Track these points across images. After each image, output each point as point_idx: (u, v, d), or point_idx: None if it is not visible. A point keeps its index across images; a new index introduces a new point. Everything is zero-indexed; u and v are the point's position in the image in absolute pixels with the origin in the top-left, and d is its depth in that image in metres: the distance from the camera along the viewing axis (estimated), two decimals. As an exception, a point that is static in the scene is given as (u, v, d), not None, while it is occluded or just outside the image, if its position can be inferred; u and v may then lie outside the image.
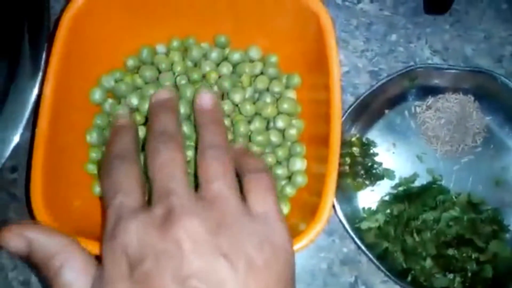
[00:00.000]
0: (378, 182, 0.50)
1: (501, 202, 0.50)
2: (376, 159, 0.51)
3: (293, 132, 0.45)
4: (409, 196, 0.48)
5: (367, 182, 0.50)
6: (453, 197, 0.49)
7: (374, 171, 0.50)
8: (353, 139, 0.51)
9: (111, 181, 0.34)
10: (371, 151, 0.51)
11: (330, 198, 0.37)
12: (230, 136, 0.45)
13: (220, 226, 0.31)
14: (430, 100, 0.52)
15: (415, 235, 0.46)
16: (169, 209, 0.31)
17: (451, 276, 0.45)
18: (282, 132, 0.45)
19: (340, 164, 0.49)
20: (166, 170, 0.33)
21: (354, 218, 0.49)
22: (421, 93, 0.52)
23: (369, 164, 0.50)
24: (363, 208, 0.50)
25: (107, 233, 0.32)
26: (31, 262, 0.32)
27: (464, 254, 0.45)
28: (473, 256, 0.46)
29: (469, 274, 0.45)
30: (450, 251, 0.45)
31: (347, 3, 0.56)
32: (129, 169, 0.35)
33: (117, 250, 0.30)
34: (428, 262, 0.45)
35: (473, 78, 0.50)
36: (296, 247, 0.36)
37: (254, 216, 0.33)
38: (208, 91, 0.41)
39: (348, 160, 0.50)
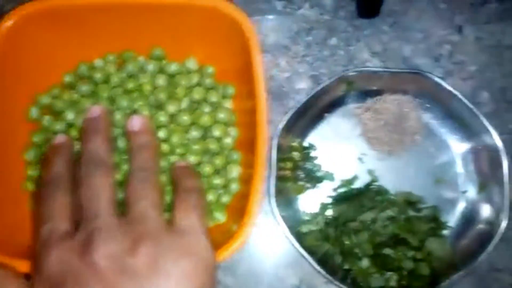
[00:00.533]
0: (318, 185, 0.52)
1: (440, 199, 0.52)
2: (317, 162, 0.52)
3: (228, 140, 0.47)
4: (348, 198, 0.49)
5: (308, 185, 0.51)
6: (392, 197, 0.49)
7: (314, 174, 0.51)
8: (294, 143, 0.52)
9: (43, 209, 0.36)
10: (312, 154, 0.52)
11: (256, 200, 0.40)
12: (166, 147, 0.45)
13: (138, 243, 0.33)
14: (369, 102, 0.53)
15: (352, 236, 0.47)
16: (90, 233, 0.33)
17: (388, 275, 0.46)
18: (219, 140, 0.46)
19: (281, 169, 0.51)
20: (92, 196, 0.36)
21: (295, 221, 0.50)
22: (360, 96, 0.54)
23: (310, 167, 0.51)
24: (304, 211, 0.50)
25: (34, 259, 0.33)
26: None
27: (400, 253, 0.47)
28: (409, 255, 0.47)
29: (405, 273, 0.46)
30: (387, 251, 0.46)
31: (288, 9, 0.57)
32: (60, 197, 0.38)
33: (42, 276, 0.33)
34: (365, 262, 0.46)
35: (409, 78, 0.51)
36: (228, 251, 0.38)
37: (176, 232, 0.36)
38: (139, 115, 0.43)
39: (289, 164, 0.51)
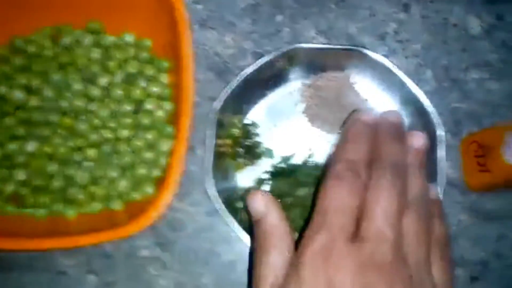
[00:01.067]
0: (258, 162, 0.51)
1: (379, 176, 0.51)
2: (258, 139, 0.52)
3: (161, 113, 0.46)
4: (284, 173, 0.49)
5: (247, 162, 0.51)
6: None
7: (254, 151, 0.51)
8: (235, 120, 0.51)
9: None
10: (253, 131, 0.52)
11: (176, 170, 0.39)
12: (98, 121, 0.45)
13: None
14: (311, 79, 0.53)
15: (286, 211, 0.47)
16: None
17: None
18: (151, 114, 0.46)
19: (220, 145, 0.50)
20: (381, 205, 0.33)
21: (233, 197, 0.49)
22: (302, 73, 0.53)
23: (250, 144, 0.51)
24: (243, 187, 0.50)
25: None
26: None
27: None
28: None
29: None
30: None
31: (234, -14, 0.56)
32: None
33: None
34: (297, 237, 0.46)
35: (349, 56, 0.51)
36: (146, 219, 0.39)
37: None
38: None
39: (228, 141, 0.51)
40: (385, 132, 0.38)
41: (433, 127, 0.49)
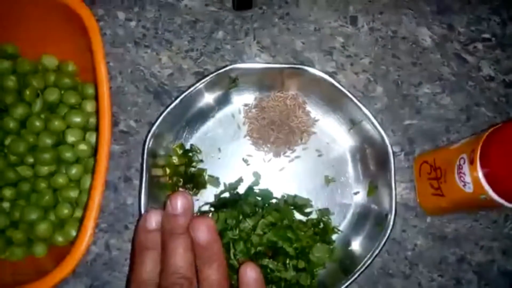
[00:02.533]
0: (202, 191, 0.47)
1: (332, 201, 0.48)
2: (201, 166, 0.47)
3: (84, 147, 0.41)
4: (227, 205, 0.44)
5: (189, 193, 0.46)
6: (275, 200, 0.45)
7: (197, 180, 0.46)
8: (174, 146, 0.47)
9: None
10: (195, 158, 0.47)
11: (91, 214, 0.34)
12: (14, 157, 0.40)
13: None
14: (256, 99, 0.49)
15: (231, 246, 0.42)
16: None
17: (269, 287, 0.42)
18: (73, 147, 0.41)
19: (160, 176, 0.46)
20: None
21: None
22: (246, 93, 0.49)
23: (192, 172, 0.47)
24: (185, 220, 0.46)
25: None
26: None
27: (279, 263, 0.42)
28: (290, 264, 0.42)
29: (283, 284, 0.41)
30: (265, 261, 0.42)
31: (170, 1, 0.52)
32: None
33: None
34: (241, 274, 0.41)
35: (295, 74, 0.47)
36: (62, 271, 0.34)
37: None
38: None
39: (168, 170, 0.46)
40: (169, 236, 0.36)
41: (384, 147, 0.45)
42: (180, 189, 0.47)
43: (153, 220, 0.36)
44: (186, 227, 0.36)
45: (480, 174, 0.37)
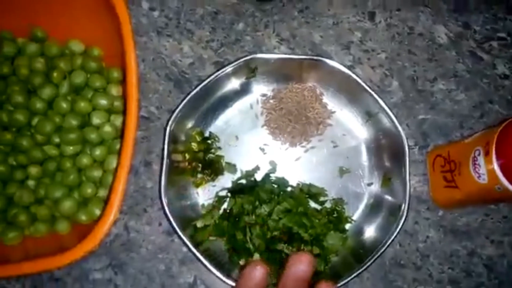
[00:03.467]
0: (219, 177, 0.48)
1: (346, 191, 0.49)
2: (219, 153, 0.48)
3: (109, 128, 0.42)
4: (244, 191, 0.45)
5: (207, 178, 0.48)
6: (290, 188, 0.46)
7: (215, 166, 0.47)
8: (193, 133, 0.48)
9: None
10: (214, 145, 0.48)
11: (118, 191, 0.35)
12: (40, 136, 0.41)
13: None
14: (273, 90, 0.49)
15: (247, 230, 0.43)
16: None
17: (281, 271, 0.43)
18: (98, 129, 0.42)
19: (179, 161, 0.47)
20: None
21: (193, 215, 0.46)
22: (264, 84, 0.50)
23: (210, 159, 0.47)
24: (203, 205, 0.47)
25: None
26: None
27: (294, 249, 0.43)
28: (305, 250, 0.43)
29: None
30: (280, 246, 0.43)
31: (193, -8, 0.52)
32: None
33: None
34: (256, 257, 0.43)
35: (313, 66, 0.48)
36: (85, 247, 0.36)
37: None
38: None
39: (187, 156, 0.47)
40: None
41: (399, 140, 0.46)
42: (199, 174, 0.48)
43: (262, 274, 0.34)
44: None
45: (495, 165, 0.37)
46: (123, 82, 0.44)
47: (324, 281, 0.34)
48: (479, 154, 0.40)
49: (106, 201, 0.37)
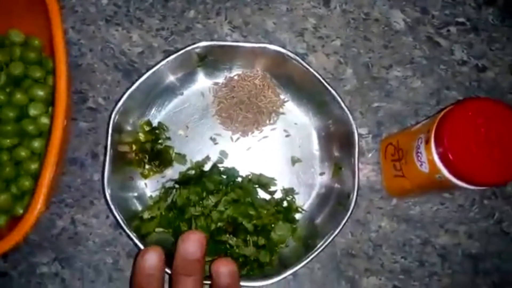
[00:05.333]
0: (168, 168, 0.47)
1: (297, 181, 0.48)
2: (169, 143, 0.48)
3: (46, 121, 0.41)
4: (191, 181, 0.45)
5: (155, 169, 0.47)
6: (240, 179, 0.46)
7: (163, 157, 0.47)
8: (141, 123, 0.47)
9: None
10: (162, 135, 0.48)
11: (44, 184, 0.34)
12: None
13: None
14: (225, 78, 0.49)
15: (193, 221, 0.43)
16: None
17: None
18: (35, 121, 0.41)
19: (126, 152, 0.46)
20: None
21: (141, 207, 0.45)
22: (214, 72, 0.49)
23: (158, 149, 0.47)
24: (150, 196, 0.46)
25: None
26: None
27: (239, 239, 0.42)
28: (250, 241, 0.42)
29: (242, 260, 0.42)
30: (224, 237, 0.42)
31: (143, -22, 0.51)
32: None
33: None
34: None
35: (264, 54, 0.46)
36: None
37: None
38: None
39: (134, 147, 0.46)
40: (180, 276, 0.36)
41: (350, 128, 0.45)
42: (146, 165, 0.48)
43: (154, 260, 0.35)
44: (199, 268, 0.35)
45: (434, 154, 0.37)
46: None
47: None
48: (421, 142, 0.39)
49: (32, 193, 0.37)
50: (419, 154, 0.39)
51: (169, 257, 0.43)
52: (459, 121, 0.36)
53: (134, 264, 0.34)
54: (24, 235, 0.35)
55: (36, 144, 0.41)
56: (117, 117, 0.44)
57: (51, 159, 0.35)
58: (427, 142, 0.37)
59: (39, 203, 0.34)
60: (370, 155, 0.49)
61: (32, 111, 0.41)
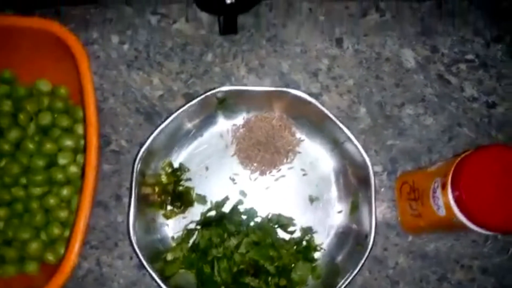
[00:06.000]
0: (189, 209, 0.48)
1: (315, 220, 0.49)
2: (189, 184, 0.49)
3: (75, 169, 0.43)
4: (213, 223, 0.46)
5: (177, 210, 0.48)
6: (258, 220, 0.47)
7: (184, 198, 0.48)
8: (163, 165, 0.49)
9: None
10: (183, 176, 0.49)
11: (79, 232, 0.36)
12: (8, 178, 0.42)
13: None
14: (242, 120, 0.50)
15: (215, 263, 0.44)
16: None
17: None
18: (64, 169, 0.43)
19: (149, 194, 0.48)
20: None
21: (163, 249, 0.46)
22: (233, 114, 0.50)
23: (180, 191, 0.48)
24: (173, 238, 0.47)
25: None
26: None
27: (261, 281, 0.43)
28: (272, 282, 0.44)
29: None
30: (247, 279, 0.43)
31: (162, 24, 0.54)
32: None
33: None
34: (223, 291, 0.43)
35: (280, 96, 0.48)
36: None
37: None
38: None
39: (156, 189, 0.48)
40: None
41: (365, 167, 0.47)
42: (168, 206, 0.49)
43: None
44: None
45: (451, 199, 0.38)
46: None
47: None
48: (437, 186, 0.40)
49: (68, 240, 0.38)
50: (435, 197, 0.40)
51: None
52: (475, 168, 0.37)
53: None
54: (64, 281, 0.36)
55: (65, 192, 0.43)
56: (141, 161, 0.46)
57: (85, 210, 0.36)
58: (444, 187, 0.39)
59: (73, 254, 0.36)
60: (385, 191, 0.51)
61: (61, 160, 0.43)
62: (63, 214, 0.42)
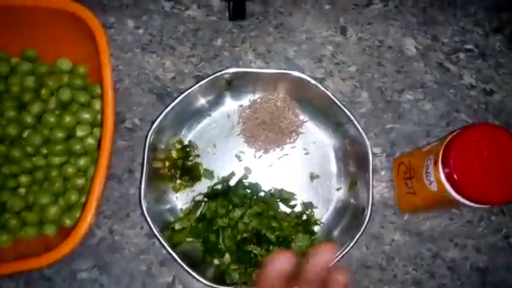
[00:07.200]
0: (197, 183, 0.51)
1: (315, 196, 0.52)
2: (198, 160, 0.52)
3: (92, 141, 0.46)
4: (218, 195, 0.49)
5: (186, 184, 0.51)
6: (263, 193, 0.50)
7: (193, 172, 0.51)
8: (173, 141, 0.51)
9: None
10: (192, 152, 0.52)
11: (95, 196, 0.39)
12: (30, 148, 0.45)
13: None
14: (248, 101, 0.53)
15: (220, 232, 0.47)
16: None
17: (250, 270, 0.46)
18: (82, 141, 0.46)
19: (160, 168, 0.50)
20: None
21: (172, 219, 0.49)
22: (240, 95, 0.53)
23: (189, 165, 0.51)
24: (181, 209, 0.50)
25: None
26: None
27: (263, 250, 0.46)
28: (273, 250, 0.46)
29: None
30: (249, 247, 0.46)
31: (175, 10, 0.57)
32: None
33: None
34: (226, 258, 0.47)
35: (286, 79, 0.51)
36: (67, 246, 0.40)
37: None
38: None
39: (167, 163, 0.51)
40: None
41: (364, 148, 0.49)
42: (178, 180, 0.52)
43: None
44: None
45: (441, 174, 0.40)
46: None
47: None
48: (430, 163, 0.42)
49: (83, 205, 0.41)
50: (428, 173, 0.43)
51: (197, 265, 0.48)
52: (464, 145, 0.39)
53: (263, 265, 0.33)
54: (76, 245, 0.39)
55: (82, 162, 0.46)
56: (152, 136, 0.49)
57: (100, 177, 0.39)
58: (435, 163, 0.41)
59: (89, 216, 0.39)
60: (383, 173, 0.53)
61: (79, 133, 0.46)
62: (80, 182, 0.46)
